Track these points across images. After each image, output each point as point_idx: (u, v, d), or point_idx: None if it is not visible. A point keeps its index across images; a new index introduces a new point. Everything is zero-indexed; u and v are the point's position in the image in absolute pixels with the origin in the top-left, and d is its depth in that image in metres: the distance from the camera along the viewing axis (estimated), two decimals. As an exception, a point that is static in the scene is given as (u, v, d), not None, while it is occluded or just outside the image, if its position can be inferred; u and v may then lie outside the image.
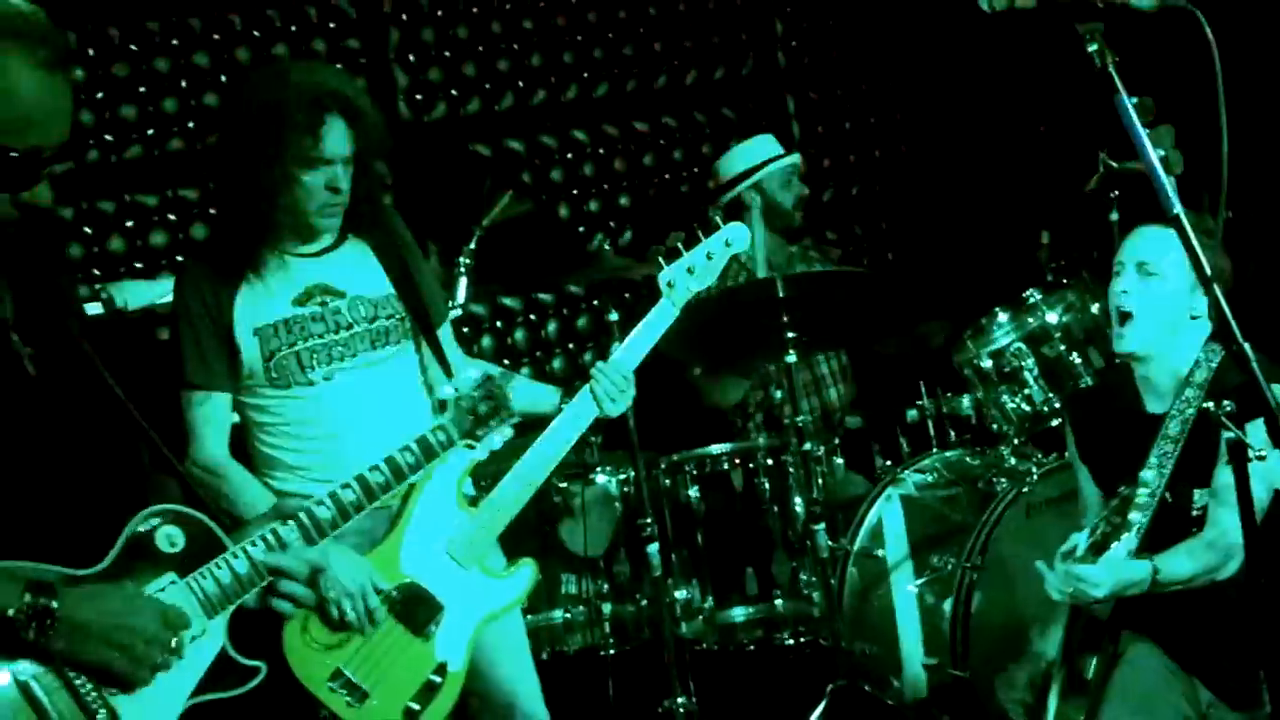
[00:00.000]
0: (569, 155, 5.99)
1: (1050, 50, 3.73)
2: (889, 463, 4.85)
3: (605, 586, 4.70)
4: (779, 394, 5.05)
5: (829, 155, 6.38)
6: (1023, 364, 4.58)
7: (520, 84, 5.89)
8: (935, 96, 6.42)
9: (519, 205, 5.02)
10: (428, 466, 2.96)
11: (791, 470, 4.70)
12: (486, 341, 5.80)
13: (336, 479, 2.80)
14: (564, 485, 4.69)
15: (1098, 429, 3.59)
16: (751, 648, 4.72)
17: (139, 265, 5.29)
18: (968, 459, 4.72)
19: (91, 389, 2.46)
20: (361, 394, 3.44)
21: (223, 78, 5.37)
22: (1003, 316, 4.63)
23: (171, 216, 5.37)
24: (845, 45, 6.43)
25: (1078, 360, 4.54)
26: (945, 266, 6.06)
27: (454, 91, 5.79)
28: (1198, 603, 3.26)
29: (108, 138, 5.28)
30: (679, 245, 3.64)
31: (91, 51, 5.22)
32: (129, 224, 5.32)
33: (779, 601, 4.69)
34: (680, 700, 4.36)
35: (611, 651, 4.65)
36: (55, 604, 2.25)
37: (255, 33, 5.45)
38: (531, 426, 3.50)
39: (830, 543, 4.50)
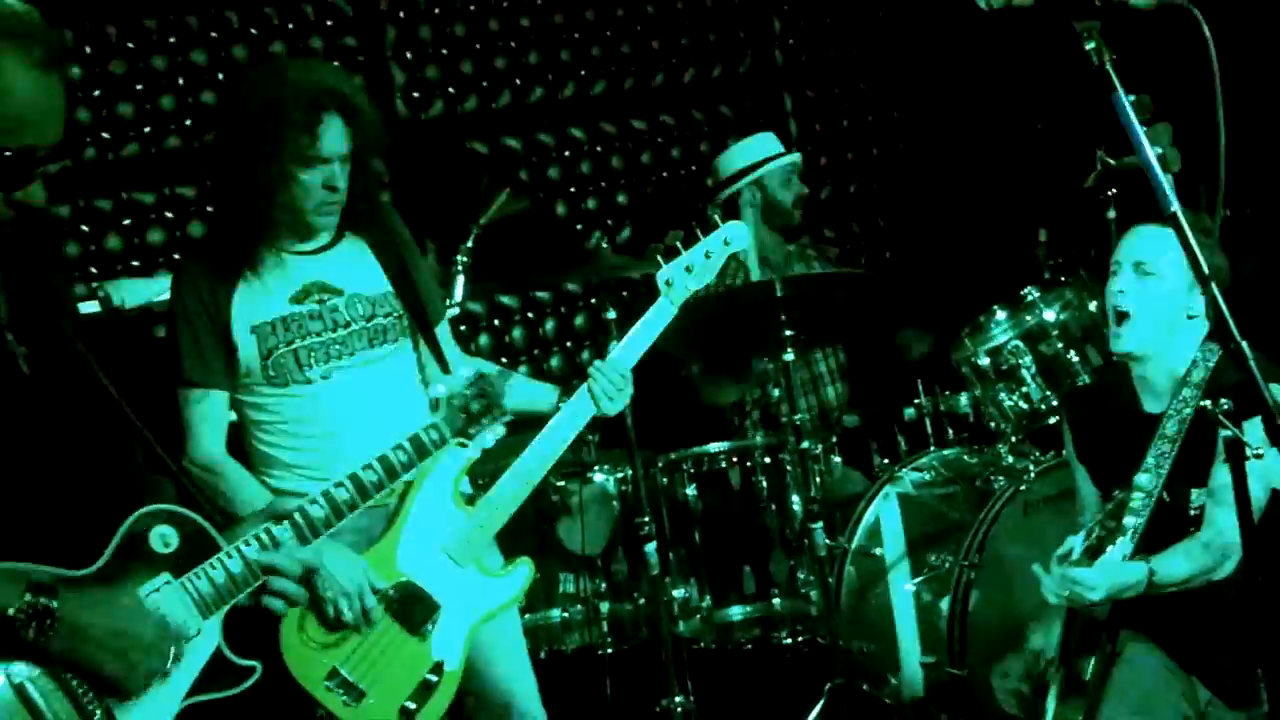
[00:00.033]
0: (566, 153, 5.99)
1: (1048, 48, 3.73)
2: (887, 461, 4.85)
3: (603, 585, 4.71)
4: (776, 392, 5.05)
5: (826, 153, 6.38)
6: (1020, 362, 4.58)
7: (518, 82, 5.88)
8: (933, 94, 6.41)
9: (516, 203, 5.02)
10: (422, 465, 2.96)
11: (789, 469, 4.70)
12: (484, 340, 5.79)
13: (334, 477, 2.80)
14: (561, 484, 4.69)
15: (1095, 428, 3.59)
16: (749, 646, 4.73)
17: (136, 263, 5.28)
18: (965, 457, 4.72)
19: (85, 389, 2.46)
20: (359, 392, 3.44)
21: (220, 75, 5.36)
22: (1000, 314, 4.63)
23: (169, 214, 5.36)
24: (843, 43, 6.43)
25: (1075, 358, 4.54)
26: (943, 264, 6.06)
27: (451, 89, 5.79)
28: (1196, 602, 3.26)
29: (105, 135, 5.27)
30: (678, 244, 3.63)
31: (89, 49, 5.21)
32: (126, 222, 5.31)
33: (777, 600, 4.69)
34: (678, 699, 4.36)
35: (609, 650, 4.65)
36: (56, 605, 2.25)
37: (252, 30, 5.45)
38: (529, 425, 3.50)
39: (828, 541, 4.50)
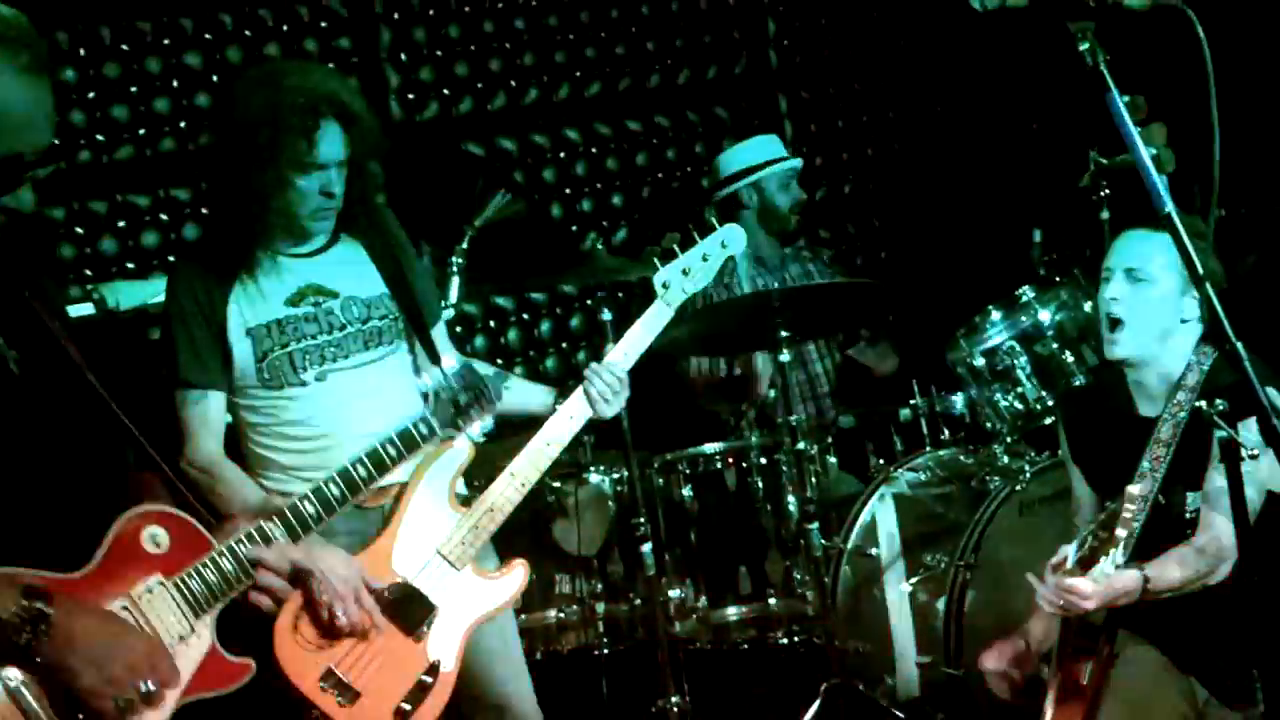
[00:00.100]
0: (561, 155, 5.99)
1: (1042, 49, 3.73)
2: (882, 461, 4.86)
3: (599, 586, 4.70)
4: (773, 393, 5.05)
5: (822, 154, 6.38)
6: (1016, 362, 4.58)
7: (512, 83, 5.88)
8: (928, 95, 6.42)
9: (512, 205, 5.01)
10: (418, 464, 2.96)
11: (785, 469, 4.70)
12: (480, 341, 5.79)
13: (329, 479, 2.80)
14: (558, 485, 4.69)
15: (1090, 431, 3.59)
16: (745, 647, 4.72)
17: (131, 266, 5.27)
18: (961, 457, 4.72)
19: (75, 391, 2.46)
20: (355, 394, 3.43)
21: (214, 78, 5.35)
22: (996, 315, 4.63)
23: (163, 217, 5.35)
24: (838, 44, 6.43)
25: (1070, 358, 4.54)
26: (938, 265, 6.06)
27: (446, 91, 5.78)
28: (1193, 602, 3.26)
29: (99, 138, 5.26)
30: (674, 247, 3.64)
31: (83, 51, 5.21)
32: (121, 224, 5.31)
33: (773, 600, 4.69)
34: (674, 700, 4.36)
35: (605, 651, 4.65)
36: (51, 609, 2.25)
37: (247, 32, 5.44)
38: (525, 427, 3.50)
39: (824, 541, 4.50)
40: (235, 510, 3.15)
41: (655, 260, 3.62)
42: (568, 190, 6.00)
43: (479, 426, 3.05)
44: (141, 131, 5.31)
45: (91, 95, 5.23)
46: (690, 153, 6.17)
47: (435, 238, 4.93)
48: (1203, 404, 2.51)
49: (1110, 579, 3.06)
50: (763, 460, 4.75)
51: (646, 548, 4.39)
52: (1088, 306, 4.51)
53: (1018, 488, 4.33)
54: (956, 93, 6.32)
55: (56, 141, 2.31)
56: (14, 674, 2.26)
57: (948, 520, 4.53)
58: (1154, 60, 3.59)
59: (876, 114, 6.49)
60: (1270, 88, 5.27)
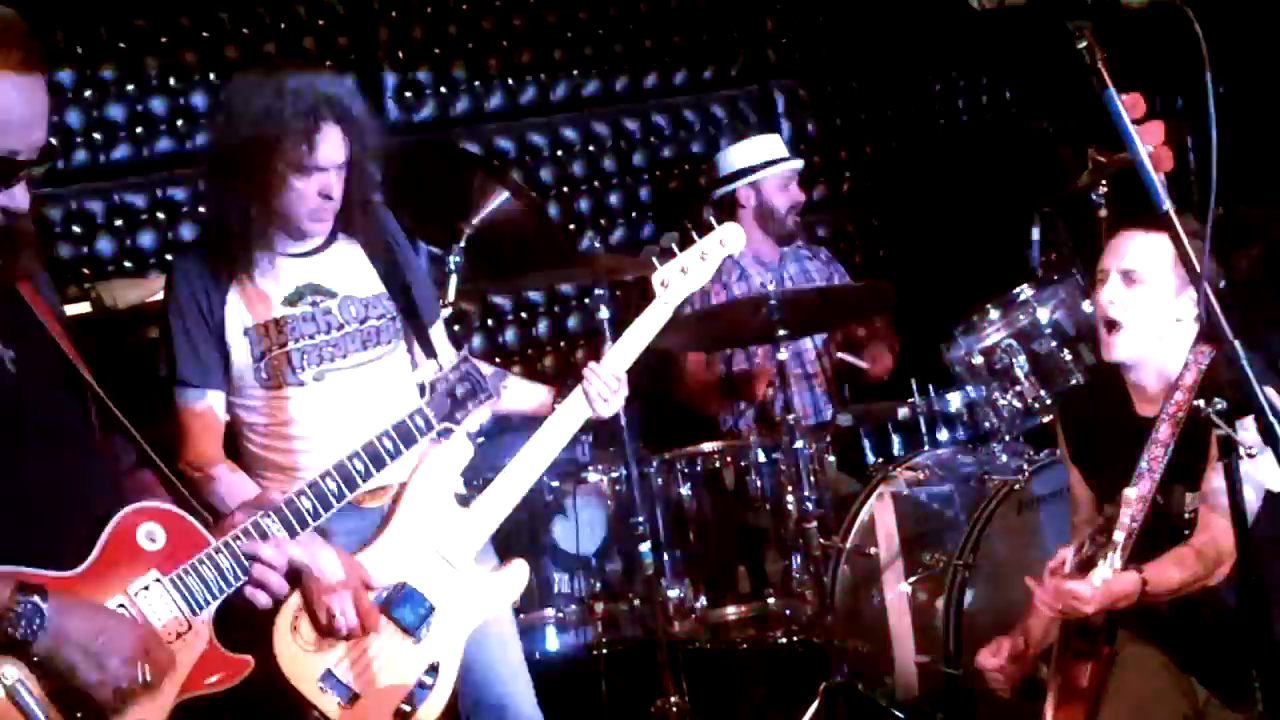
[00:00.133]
0: (559, 153, 5.98)
1: (1040, 47, 3.74)
2: (881, 460, 4.85)
3: (597, 585, 4.69)
4: (771, 392, 5.05)
5: (819, 152, 6.37)
6: (1014, 360, 4.58)
7: (510, 82, 5.88)
8: (926, 93, 6.42)
9: (509, 204, 5.00)
10: (410, 453, 2.95)
11: (784, 468, 4.69)
12: (477, 340, 5.78)
13: (328, 479, 2.79)
14: (556, 484, 4.68)
15: (1089, 431, 3.59)
16: (744, 646, 4.72)
17: (128, 265, 5.27)
18: (959, 456, 4.72)
19: (71, 389, 2.46)
20: (353, 394, 3.43)
21: (212, 76, 5.35)
22: (994, 313, 4.63)
23: (160, 216, 5.35)
24: (835, 43, 6.42)
25: (1069, 357, 4.54)
26: (936, 263, 6.06)
27: (443, 89, 5.78)
28: (1193, 602, 3.26)
29: (96, 137, 5.26)
30: (673, 245, 3.63)
31: (80, 50, 5.20)
32: (117, 224, 5.30)
33: (771, 600, 4.68)
34: (673, 699, 4.35)
35: (604, 651, 4.64)
36: (45, 604, 2.24)
37: (244, 31, 5.43)
38: (524, 426, 3.49)
39: (822, 540, 4.50)
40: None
41: (654, 259, 3.61)
42: (565, 189, 5.99)
43: (476, 420, 3.04)
44: (139, 130, 5.31)
45: (88, 94, 5.22)
46: (688, 151, 6.17)
47: (432, 237, 4.93)
48: (1201, 403, 2.50)
49: (1109, 582, 3.06)
50: (761, 459, 4.74)
51: (645, 547, 4.38)
52: (1086, 305, 4.50)
53: (1016, 487, 4.32)
54: (955, 90, 6.32)
55: (52, 140, 2.30)
56: (11, 671, 2.26)
57: (946, 519, 4.52)
58: (1152, 58, 3.59)
59: (874, 112, 6.49)
60: (1270, 87, 5.26)
